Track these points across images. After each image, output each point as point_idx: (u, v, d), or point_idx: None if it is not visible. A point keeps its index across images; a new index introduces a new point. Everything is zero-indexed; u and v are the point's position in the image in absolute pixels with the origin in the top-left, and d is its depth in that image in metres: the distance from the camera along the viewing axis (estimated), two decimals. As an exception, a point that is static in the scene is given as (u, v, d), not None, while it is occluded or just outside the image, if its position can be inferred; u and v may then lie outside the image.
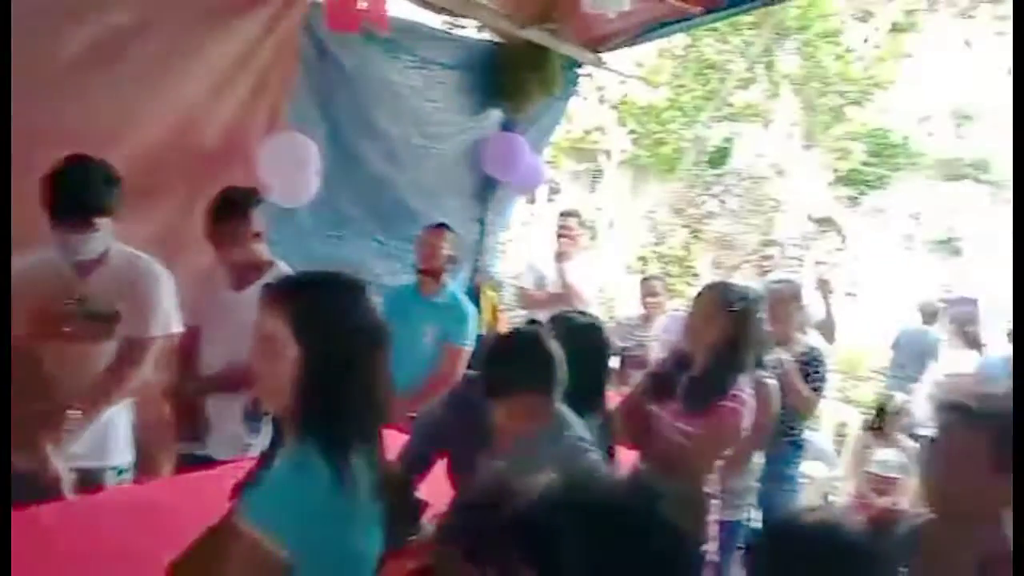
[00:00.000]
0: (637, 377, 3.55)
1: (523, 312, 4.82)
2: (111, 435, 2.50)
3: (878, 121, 11.71)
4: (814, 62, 10.19)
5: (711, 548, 2.65)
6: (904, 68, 10.70)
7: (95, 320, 2.37)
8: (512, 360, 2.12)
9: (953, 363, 5.79)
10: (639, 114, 11.22)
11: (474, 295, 4.70)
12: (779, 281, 4.13)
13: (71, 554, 1.90)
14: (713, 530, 2.66)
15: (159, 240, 3.01)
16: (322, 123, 3.79)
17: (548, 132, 5.14)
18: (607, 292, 8.88)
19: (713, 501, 2.65)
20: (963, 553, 1.58)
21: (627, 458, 2.71)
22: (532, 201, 11.68)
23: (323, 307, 1.37)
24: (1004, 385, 3.07)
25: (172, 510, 2.14)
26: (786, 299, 3.74)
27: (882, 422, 4.95)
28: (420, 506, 2.10)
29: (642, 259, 9.82)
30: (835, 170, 11.21)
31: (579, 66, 4.80)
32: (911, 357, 6.47)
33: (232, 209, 2.81)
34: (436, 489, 2.19)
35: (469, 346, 3.59)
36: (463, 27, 5.04)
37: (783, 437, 3.55)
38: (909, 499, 4.68)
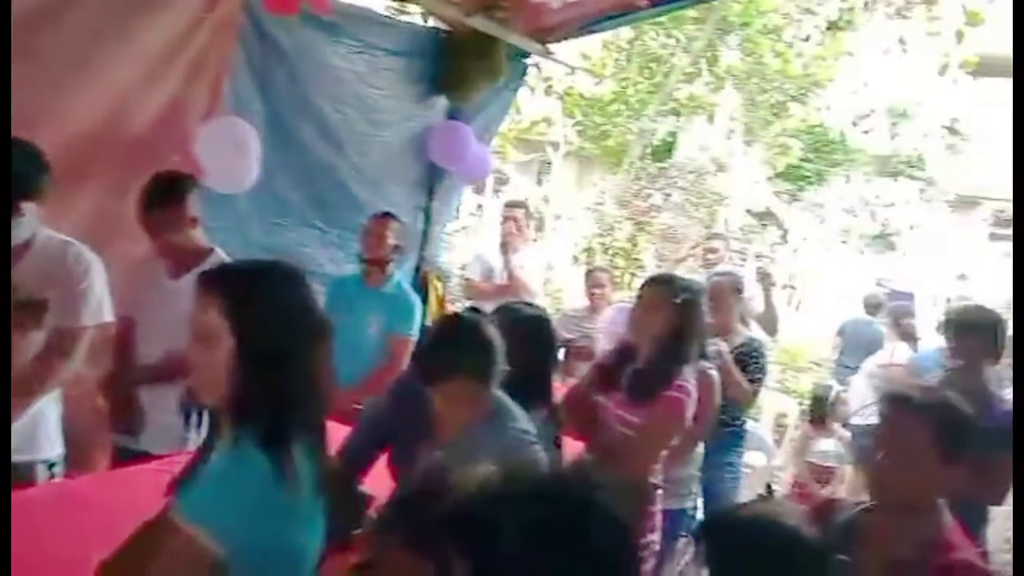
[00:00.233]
0: (583, 368, 3.57)
1: (469, 303, 4.80)
2: (40, 428, 2.42)
3: (817, 118, 11.99)
4: (755, 58, 10.35)
5: (655, 537, 2.68)
6: (842, 66, 10.95)
7: (21, 308, 2.28)
8: (448, 344, 2.11)
9: (887, 355, 5.97)
10: (584, 106, 11.27)
11: (420, 286, 4.67)
12: (720, 273, 4.22)
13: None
14: (658, 519, 2.69)
15: (91, 227, 2.90)
16: (262, 107, 3.70)
17: (495, 122, 5.12)
18: (553, 283, 8.91)
19: (658, 491, 2.68)
20: (902, 541, 1.62)
21: (573, 448, 2.72)
22: (480, 191, 11.67)
23: (259, 296, 1.34)
24: (937, 377, 3.16)
25: (105, 506, 2.08)
26: (727, 291, 3.81)
27: (819, 412, 5.07)
28: (365, 499, 2.07)
29: (588, 251, 9.87)
30: (775, 166, 11.44)
31: (527, 56, 4.79)
32: (856, 348, 6.65)
33: (166, 195, 2.72)
34: (382, 482, 2.16)
35: (414, 337, 3.56)
36: (409, 13, 4.98)
37: (724, 427, 3.60)
38: (847, 487, 4.82)
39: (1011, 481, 2.82)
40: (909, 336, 6.09)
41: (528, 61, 4.89)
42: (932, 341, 5.66)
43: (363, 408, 2.45)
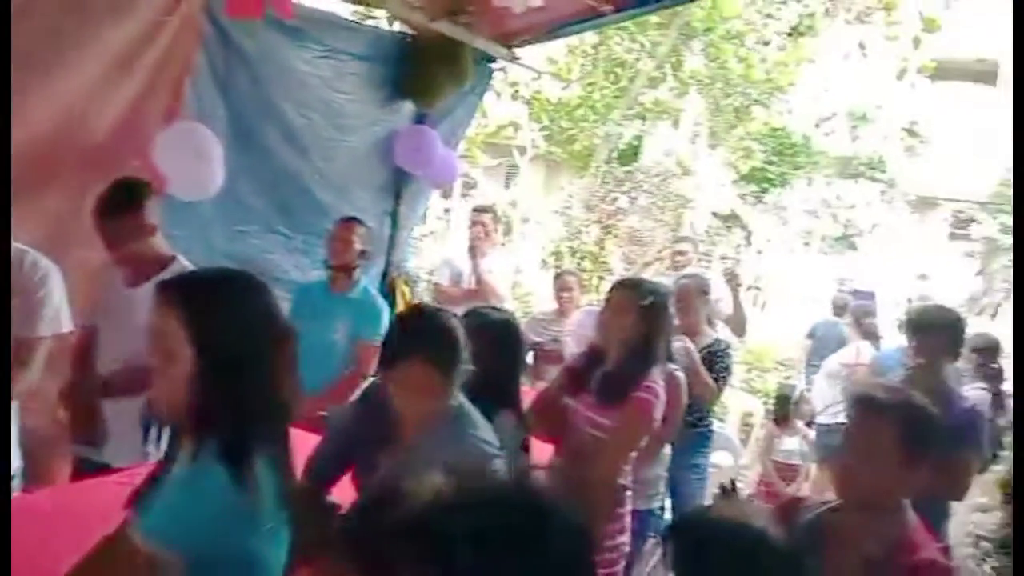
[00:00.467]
0: (552, 371, 3.58)
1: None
2: (-4, 441, 2.35)
3: (779, 122, 12.15)
4: (719, 63, 10.45)
5: (625, 539, 2.69)
6: (804, 71, 11.11)
7: (-26, 319, 2.22)
8: (407, 330, 2.11)
9: (849, 353, 6.06)
10: (551, 110, 11.31)
11: (388, 291, 4.64)
12: (687, 276, 4.27)
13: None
14: (628, 520, 2.70)
15: (49, 234, 2.84)
16: (225, 112, 3.65)
17: (462, 126, 5.11)
18: (522, 287, 8.92)
19: (627, 492, 2.69)
20: (867, 540, 1.64)
21: (543, 452, 2.72)
22: (447, 196, 11.64)
23: (218, 306, 1.32)
24: (898, 375, 3.21)
25: (64, 519, 2.04)
26: (693, 293, 3.86)
27: (783, 412, 5.14)
28: (332, 510, 2.04)
29: (556, 254, 9.89)
30: (739, 169, 11.58)
31: (492, 60, 4.79)
32: (826, 349, 6.74)
33: (122, 202, 2.63)
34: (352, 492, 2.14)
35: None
36: (374, 17, 4.95)
37: (691, 428, 3.63)
38: (811, 485, 4.89)
39: (971, 477, 2.88)
40: (871, 335, 6.19)
41: (494, 65, 4.89)
42: (894, 340, 5.76)
43: (329, 417, 2.42)
